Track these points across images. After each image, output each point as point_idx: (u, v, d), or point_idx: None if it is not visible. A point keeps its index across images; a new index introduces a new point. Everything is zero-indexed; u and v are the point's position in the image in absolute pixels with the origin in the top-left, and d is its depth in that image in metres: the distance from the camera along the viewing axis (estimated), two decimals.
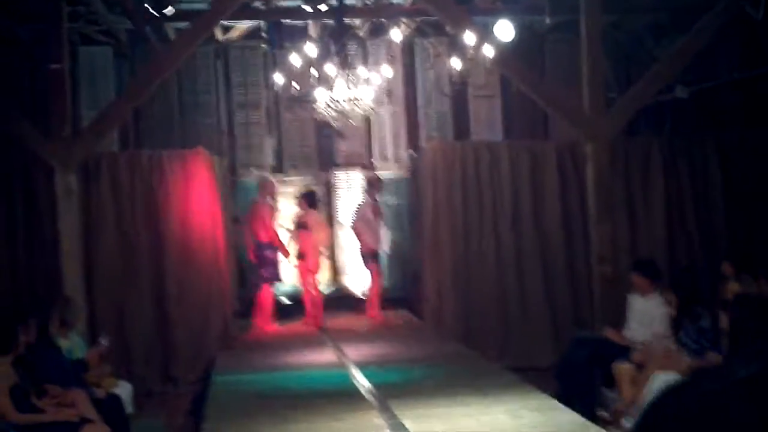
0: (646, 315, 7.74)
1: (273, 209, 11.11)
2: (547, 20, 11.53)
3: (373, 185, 11.47)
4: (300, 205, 11.34)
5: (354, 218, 11.39)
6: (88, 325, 8.97)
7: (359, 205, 11.51)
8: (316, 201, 11.55)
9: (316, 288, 11.29)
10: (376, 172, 12.13)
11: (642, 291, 7.89)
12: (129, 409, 7.48)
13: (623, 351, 7.45)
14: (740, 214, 10.59)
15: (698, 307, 7.18)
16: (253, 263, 11.03)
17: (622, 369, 7.19)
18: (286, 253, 11.12)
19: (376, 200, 11.46)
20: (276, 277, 11.06)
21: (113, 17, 10.86)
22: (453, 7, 9.78)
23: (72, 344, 7.69)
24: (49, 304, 7.67)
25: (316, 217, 11.42)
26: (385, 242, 11.53)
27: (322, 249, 11.46)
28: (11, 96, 10.56)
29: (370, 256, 11.32)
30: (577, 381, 7.57)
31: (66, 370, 7.09)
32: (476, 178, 10.56)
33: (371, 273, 11.42)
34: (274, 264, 10.99)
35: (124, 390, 7.63)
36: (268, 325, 10.95)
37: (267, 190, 11.12)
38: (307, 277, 11.21)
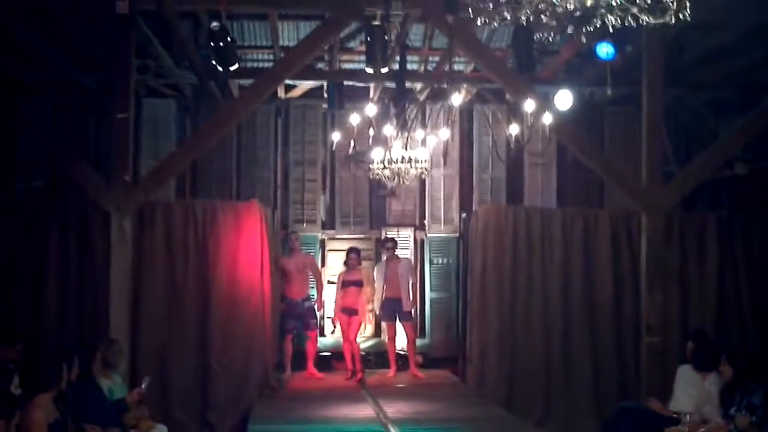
0: (694, 387, 7.57)
1: (298, 262, 11.27)
2: (609, 92, 11.53)
3: (391, 248, 11.59)
4: (350, 261, 11.45)
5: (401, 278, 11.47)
6: (130, 368, 9.05)
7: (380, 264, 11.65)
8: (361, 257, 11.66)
9: (356, 342, 11.43)
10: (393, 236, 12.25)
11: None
12: None
13: (667, 423, 7.28)
14: None
15: (752, 383, 6.99)
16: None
17: None
18: (320, 306, 11.43)
19: (397, 260, 11.55)
20: (300, 329, 11.23)
21: (179, 71, 11.15)
22: (514, 76, 9.88)
23: (113, 385, 7.75)
24: (94, 344, 7.74)
25: (365, 271, 11.56)
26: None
27: (369, 305, 11.52)
28: (76, 142, 10.86)
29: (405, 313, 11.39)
30: None
31: (105, 409, 7.14)
32: (527, 243, 10.53)
33: (406, 330, 11.45)
34: (296, 317, 11.12)
35: None
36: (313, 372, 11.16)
37: (291, 245, 11.38)
38: (354, 331, 11.33)
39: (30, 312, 9.69)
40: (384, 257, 11.69)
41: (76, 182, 9.74)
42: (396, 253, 11.58)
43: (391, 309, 11.41)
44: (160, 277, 9.84)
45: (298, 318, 11.14)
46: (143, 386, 7.91)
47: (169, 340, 9.78)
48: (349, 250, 11.61)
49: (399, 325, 11.53)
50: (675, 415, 7.51)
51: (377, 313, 11.71)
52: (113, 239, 9.20)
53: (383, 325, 11.81)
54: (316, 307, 11.40)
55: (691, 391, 7.61)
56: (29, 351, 8.17)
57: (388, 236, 12.24)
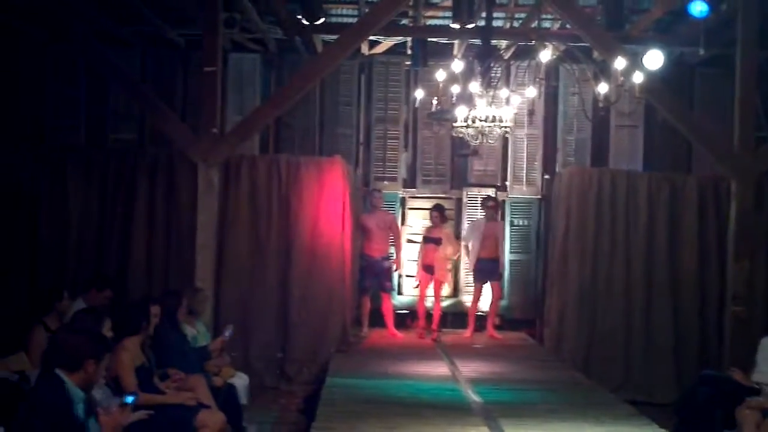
0: None
1: (379, 220, 11.29)
2: (701, 52, 11.19)
3: (493, 206, 11.50)
4: (432, 218, 11.45)
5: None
6: (213, 318, 9.28)
7: (477, 223, 11.58)
8: (446, 215, 11.62)
9: (439, 301, 11.45)
10: (493, 195, 12.14)
11: None
12: (243, 400, 7.67)
13: (749, 394, 7.14)
14: None
15: None
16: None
17: (748, 413, 6.87)
18: (398, 266, 11.46)
19: (496, 220, 11.50)
20: (376, 288, 11.25)
21: (265, 25, 11.22)
22: (603, 34, 9.67)
23: (197, 333, 7.96)
24: (179, 292, 7.96)
25: (446, 231, 11.55)
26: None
27: (449, 263, 11.53)
28: (163, 96, 11.06)
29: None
30: (697, 418, 7.33)
31: (189, 356, 7.34)
32: (611, 206, 10.38)
33: (494, 290, 11.44)
34: (375, 275, 11.16)
35: (240, 381, 7.83)
36: (393, 332, 11.19)
37: (373, 202, 11.40)
38: (434, 289, 11.38)
39: (118, 261, 10.00)
40: (483, 216, 11.61)
41: (164, 134, 9.95)
42: (497, 212, 11.54)
43: (487, 270, 11.34)
44: (243, 229, 10.03)
45: (376, 276, 11.20)
46: (226, 335, 8.11)
47: (251, 293, 10.00)
48: (432, 208, 11.62)
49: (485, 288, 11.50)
50: (756, 386, 7.38)
51: (472, 272, 11.62)
52: (200, 191, 9.38)
53: (463, 284, 11.78)
54: (394, 266, 11.45)
55: None
56: (117, 297, 8.44)
57: (489, 195, 12.14)
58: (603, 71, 10.37)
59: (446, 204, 12.32)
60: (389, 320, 11.34)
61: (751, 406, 6.94)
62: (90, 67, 11.53)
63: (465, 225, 12.38)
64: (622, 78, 9.12)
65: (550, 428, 6.63)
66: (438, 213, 11.48)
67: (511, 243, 12.35)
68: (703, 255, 10.16)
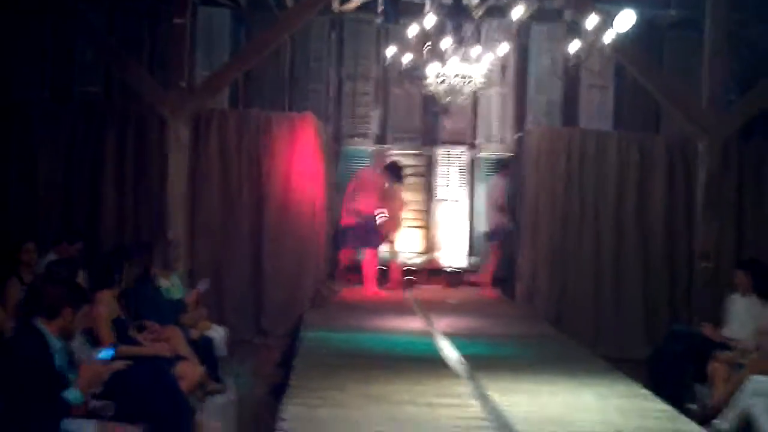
0: (747, 315, 7.59)
1: (382, 181, 11.28)
2: (673, 12, 11.26)
3: (507, 168, 11.52)
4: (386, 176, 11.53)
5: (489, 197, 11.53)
6: (189, 271, 9.25)
7: (493, 185, 11.59)
8: (401, 174, 11.63)
9: (394, 255, 11.54)
10: (508, 156, 12.13)
11: (743, 290, 7.78)
12: (221, 353, 7.68)
13: (719, 349, 7.31)
14: None
15: None
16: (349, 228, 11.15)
17: (718, 367, 7.04)
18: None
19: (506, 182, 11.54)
20: (366, 244, 11.19)
21: None
22: None
23: (172, 285, 7.94)
24: (152, 245, 7.90)
25: (398, 190, 11.58)
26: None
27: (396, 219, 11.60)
28: (132, 48, 10.88)
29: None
30: (669, 373, 7.49)
31: (165, 308, 7.34)
32: (581, 166, 10.48)
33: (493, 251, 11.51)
34: (369, 232, 11.11)
35: (217, 334, 7.85)
36: (372, 290, 11.14)
37: (379, 163, 11.42)
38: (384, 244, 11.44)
39: (88, 214, 9.90)
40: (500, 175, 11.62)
41: (131, 87, 9.80)
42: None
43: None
44: (214, 183, 9.98)
45: (367, 233, 11.12)
46: (201, 288, 8.09)
47: (224, 246, 9.98)
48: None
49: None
50: (726, 341, 7.54)
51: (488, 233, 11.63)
52: (169, 145, 9.29)
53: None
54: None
55: (745, 318, 7.61)
56: (89, 250, 8.37)
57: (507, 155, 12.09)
58: (574, 30, 10.41)
59: (417, 161, 12.36)
60: (374, 278, 11.33)
61: (720, 360, 7.10)
62: (56, 20, 11.28)
63: (437, 181, 12.41)
64: (593, 37, 9.17)
65: (525, 381, 6.72)
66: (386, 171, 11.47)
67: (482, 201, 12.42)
68: (671, 213, 10.32)
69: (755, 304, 7.67)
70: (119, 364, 5.44)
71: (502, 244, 11.47)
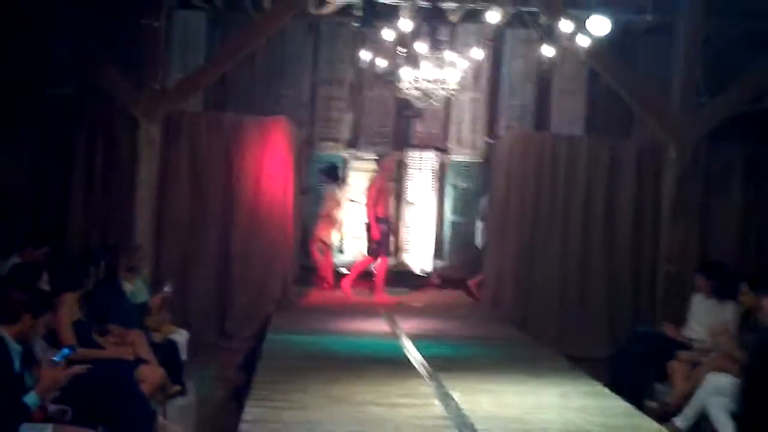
0: (707, 316, 7.72)
1: (389, 186, 11.42)
2: (648, 17, 11.33)
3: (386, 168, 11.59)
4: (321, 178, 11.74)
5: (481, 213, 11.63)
6: (153, 274, 9.25)
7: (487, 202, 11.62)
8: (337, 176, 11.81)
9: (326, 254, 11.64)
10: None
11: (705, 293, 7.91)
12: (183, 356, 7.68)
13: (680, 348, 7.42)
14: None
15: None
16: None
17: (677, 365, 7.16)
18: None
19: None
20: (381, 251, 11.24)
21: None
22: None
23: (136, 289, 7.93)
24: (118, 248, 7.90)
25: (332, 191, 11.69)
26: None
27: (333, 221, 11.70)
28: (104, 48, 10.85)
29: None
30: (631, 372, 7.61)
31: (128, 312, 7.32)
32: (551, 170, 10.55)
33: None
34: (383, 237, 11.19)
35: (180, 337, 7.85)
36: (380, 294, 11.14)
37: (386, 169, 11.47)
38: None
39: (57, 217, 9.87)
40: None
41: (104, 88, 9.79)
42: None
43: None
44: (184, 186, 9.98)
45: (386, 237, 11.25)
46: (166, 290, 8.09)
47: (191, 250, 9.97)
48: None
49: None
50: (687, 340, 7.65)
51: None
52: (140, 146, 9.31)
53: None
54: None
55: (706, 319, 7.72)
56: (55, 254, 8.35)
57: None
58: (549, 35, 10.49)
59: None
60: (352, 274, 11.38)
61: (681, 359, 7.20)
62: (29, 18, 11.24)
63: (407, 186, 12.47)
64: (566, 42, 9.26)
65: (489, 381, 6.77)
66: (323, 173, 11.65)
67: (452, 205, 12.48)
68: (639, 216, 10.40)
69: (714, 305, 7.78)
70: (78, 368, 5.44)
71: None
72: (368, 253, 11.28)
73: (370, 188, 11.28)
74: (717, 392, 6.40)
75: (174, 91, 9.66)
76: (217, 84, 11.85)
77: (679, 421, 6.63)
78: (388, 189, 11.37)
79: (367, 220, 11.20)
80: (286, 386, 6.46)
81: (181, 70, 11.60)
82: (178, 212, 9.92)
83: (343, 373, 6.83)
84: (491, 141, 12.18)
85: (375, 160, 12.05)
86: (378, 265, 11.23)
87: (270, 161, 10.18)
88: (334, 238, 11.91)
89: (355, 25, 12.59)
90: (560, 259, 10.38)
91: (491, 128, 12.55)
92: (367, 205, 11.24)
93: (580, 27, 9.04)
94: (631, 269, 10.33)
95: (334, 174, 11.78)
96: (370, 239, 11.19)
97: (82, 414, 5.23)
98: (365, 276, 11.33)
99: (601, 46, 9.12)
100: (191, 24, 12.12)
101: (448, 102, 11.93)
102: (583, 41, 9.02)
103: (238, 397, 7.06)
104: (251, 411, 5.72)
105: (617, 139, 11.14)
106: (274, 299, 10.11)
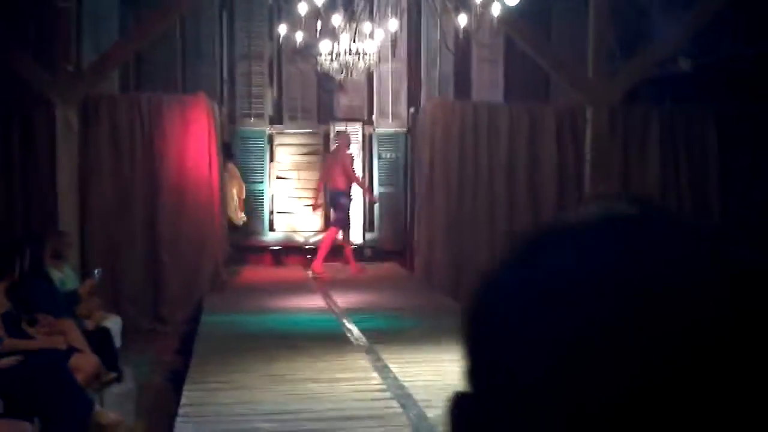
0: None
1: (351, 159, 11.31)
2: None
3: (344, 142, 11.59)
4: None
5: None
6: (81, 262, 9.07)
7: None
8: (231, 152, 11.67)
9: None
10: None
11: None
12: (118, 342, 7.57)
13: None
14: (735, 187, 10.64)
15: None
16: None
17: None
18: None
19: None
20: (346, 223, 11.22)
21: None
22: None
23: (65, 277, 7.77)
24: (43, 236, 7.72)
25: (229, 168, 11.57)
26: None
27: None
28: (14, 32, 10.53)
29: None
30: None
31: (57, 300, 7.16)
32: (474, 138, 10.66)
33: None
34: (345, 211, 11.13)
35: (113, 324, 7.72)
36: (319, 267, 11.07)
37: (345, 142, 11.36)
38: None
39: None
40: None
41: (17, 74, 9.50)
42: None
43: None
44: (106, 171, 9.78)
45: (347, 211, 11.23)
46: (95, 277, 7.95)
47: (118, 234, 9.79)
48: None
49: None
50: None
51: None
52: (59, 132, 9.08)
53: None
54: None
55: None
56: None
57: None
58: (463, 3, 10.55)
59: (313, 139, 12.39)
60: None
61: None
62: None
63: None
64: (480, 9, 9.33)
65: (426, 351, 6.85)
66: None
67: (379, 176, 12.54)
68: (561, 181, 10.61)
69: None
70: (9, 360, 5.34)
71: None
72: (333, 224, 11.28)
73: (329, 163, 11.21)
74: None
75: (89, 71, 9.45)
76: (133, 65, 11.65)
77: None
78: (349, 163, 11.28)
79: (329, 195, 11.20)
80: (224, 367, 6.46)
81: (94, 51, 11.33)
82: (102, 197, 9.72)
83: (281, 351, 6.84)
84: (414, 111, 12.22)
85: (336, 134, 11.87)
86: (328, 236, 11.23)
87: (192, 140, 10.05)
88: (236, 214, 11.74)
89: None
90: (488, 223, 10.53)
91: (414, 98, 12.59)
92: (321, 179, 11.31)
93: None
94: None
95: (228, 151, 11.57)
96: (334, 213, 11.23)
97: (16, 407, 5.15)
98: (336, 251, 11.32)
99: (514, 13, 9.21)
100: (102, 2, 11.82)
101: (370, 74, 11.93)
102: (496, 9, 9.10)
103: (176, 382, 7.00)
104: (189, 394, 5.71)
105: (536, 105, 11.31)
106: (206, 281, 10.03)
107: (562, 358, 0.55)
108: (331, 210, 11.43)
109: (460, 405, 0.62)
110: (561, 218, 0.64)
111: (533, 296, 0.58)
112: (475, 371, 0.62)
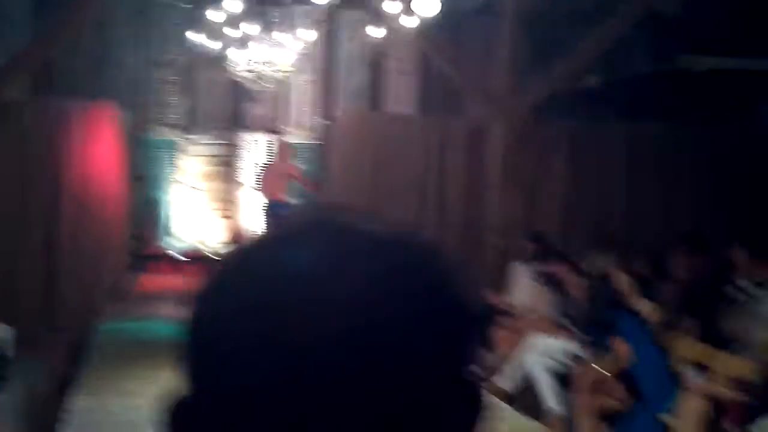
0: (528, 282, 8.06)
1: (288, 170, 11.30)
2: None
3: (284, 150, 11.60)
4: None
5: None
6: None
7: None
8: None
9: None
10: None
11: (527, 260, 8.32)
12: (9, 352, 7.40)
13: (503, 315, 7.72)
14: (640, 203, 10.85)
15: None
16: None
17: (500, 332, 7.43)
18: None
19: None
20: None
21: None
22: None
23: None
24: None
25: None
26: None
27: None
28: None
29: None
30: None
31: None
32: (386, 149, 10.69)
33: None
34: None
35: (5, 333, 7.54)
36: None
37: (284, 152, 11.38)
38: None
39: None
40: None
41: None
42: None
43: None
44: (9, 178, 9.55)
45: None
46: None
47: (15, 242, 9.56)
48: None
49: None
50: (509, 308, 7.99)
51: None
52: None
53: None
54: None
55: (526, 284, 8.08)
56: None
57: None
58: (378, 17, 10.65)
59: (224, 149, 12.37)
60: None
61: (504, 327, 7.49)
62: None
63: (240, 169, 12.45)
64: (395, 24, 9.43)
65: None
66: None
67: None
68: (469, 192, 10.69)
69: (533, 271, 8.15)
70: None
71: None
72: None
73: (267, 174, 11.19)
74: (537, 353, 6.71)
75: None
76: (44, 71, 11.45)
77: (501, 381, 6.89)
78: (286, 173, 11.26)
79: (269, 207, 11.17)
80: (115, 374, 6.41)
81: (3, 56, 11.13)
82: (1, 205, 9.49)
83: (173, 358, 6.76)
84: (328, 122, 12.27)
85: (272, 143, 11.94)
86: None
87: (98, 149, 9.87)
88: None
89: (185, 6, 12.41)
90: None
91: (328, 110, 12.63)
92: (262, 189, 11.26)
93: (411, 8, 9.22)
94: (463, 244, 10.63)
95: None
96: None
97: None
98: None
99: (429, 26, 9.32)
100: (13, 6, 11.63)
101: (285, 84, 11.95)
102: (410, 22, 9.20)
103: (67, 390, 6.88)
104: (78, 402, 5.63)
105: (448, 119, 11.41)
106: (106, 290, 9.87)
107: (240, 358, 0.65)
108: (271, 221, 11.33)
109: (178, 410, 0.70)
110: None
111: (224, 303, 0.68)
112: (189, 376, 0.71)
